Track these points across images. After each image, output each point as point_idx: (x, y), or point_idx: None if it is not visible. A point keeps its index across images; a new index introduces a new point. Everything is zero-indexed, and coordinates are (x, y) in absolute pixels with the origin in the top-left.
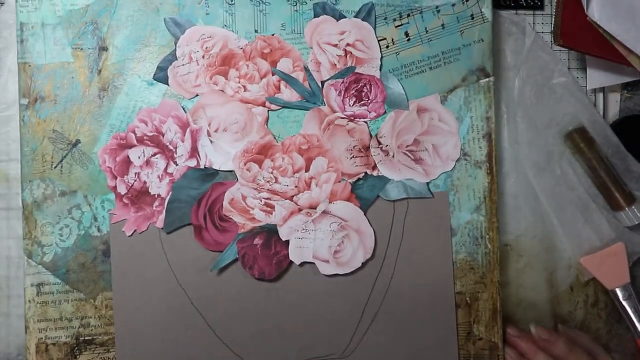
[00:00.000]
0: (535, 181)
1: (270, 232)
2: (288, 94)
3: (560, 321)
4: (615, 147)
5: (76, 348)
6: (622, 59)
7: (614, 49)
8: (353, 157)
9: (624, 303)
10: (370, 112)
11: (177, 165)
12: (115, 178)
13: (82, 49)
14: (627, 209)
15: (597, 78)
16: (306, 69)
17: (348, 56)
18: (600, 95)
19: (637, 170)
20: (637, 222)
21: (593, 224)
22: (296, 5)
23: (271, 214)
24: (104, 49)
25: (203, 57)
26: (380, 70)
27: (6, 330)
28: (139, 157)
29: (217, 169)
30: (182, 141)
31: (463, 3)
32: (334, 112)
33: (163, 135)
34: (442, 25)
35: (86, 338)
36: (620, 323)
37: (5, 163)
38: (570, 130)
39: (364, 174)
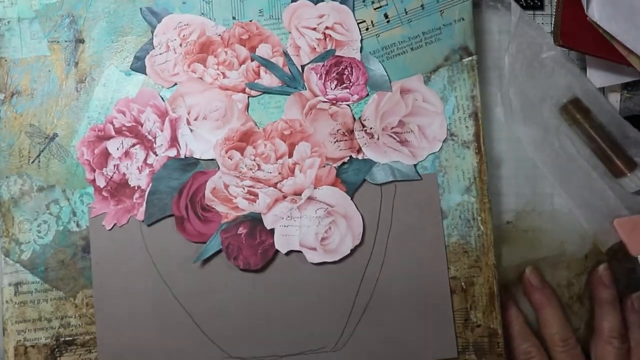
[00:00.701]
0: (534, 156)
1: (254, 220)
2: (268, 79)
3: (566, 284)
4: (610, 114)
5: (56, 350)
6: (622, 59)
7: (614, 49)
8: (337, 141)
9: None
10: (352, 95)
11: (156, 155)
12: (94, 171)
13: (58, 42)
14: (629, 174)
15: (597, 78)
16: (285, 54)
17: (327, 39)
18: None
19: (634, 137)
20: None
21: (598, 193)
22: None
23: (255, 202)
24: (80, 41)
25: (180, 45)
26: (360, 52)
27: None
28: (117, 149)
29: (198, 158)
30: (162, 131)
31: None
32: (316, 96)
33: (142, 126)
34: (422, 5)
35: (67, 339)
36: (628, 289)
37: None
38: (565, 102)
39: (348, 157)
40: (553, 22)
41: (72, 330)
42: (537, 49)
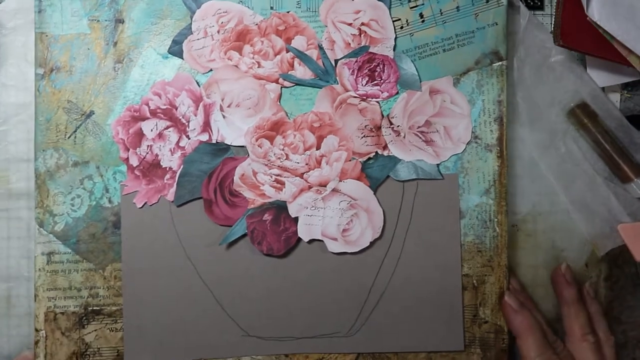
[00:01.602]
0: (540, 160)
1: (279, 208)
2: (301, 71)
3: None
4: (618, 120)
5: (84, 318)
6: (622, 59)
7: (614, 49)
8: (364, 136)
9: None
10: (382, 92)
11: (189, 139)
12: (128, 150)
13: (98, 20)
14: (636, 179)
15: (597, 78)
16: (320, 47)
17: (362, 35)
18: None
19: None
20: None
21: (601, 198)
22: None
23: (281, 190)
24: (120, 21)
25: (218, 32)
26: (394, 50)
27: (6, 330)
28: (151, 130)
29: (229, 144)
30: (195, 115)
31: None
32: (347, 91)
33: (176, 109)
34: (457, 7)
35: (94, 308)
36: (634, 295)
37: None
38: (573, 106)
39: (374, 153)
40: (553, 22)
41: (100, 300)
42: (546, 53)
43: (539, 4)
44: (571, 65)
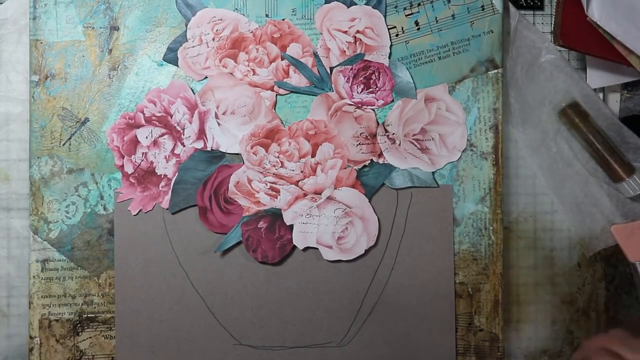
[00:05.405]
0: (531, 160)
1: (274, 216)
2: (297, 79)
3: (569, 300)
4: (610, 119)
5: (79, 325)
6: (622, 59)
7: (614, 49)
8: (359, 144)
9: None
10: (378, 100)
11: (184, 146)
12: (123, 157)
13: (93, 28)
14: (627, 179)
15: (597, 78)
16: (315, 55)
17: (357, 43)
18: (600, 95)
19: (633, 142)
20: (638, 192)
21: (593, 198)
22: None
23: (276, 198)
24: (115, 28)
25: (213, 39)
26: (389, 58)
27: (6, 329)
28: (146, 137)
29: (224, 151)
30: (190, 123)
31: None
32: (342, 98)
33: (171, 116)
34: (453, 15)
35: (89, 315)
36: (629, 294)
37: (6, 162)
38: (564, 106)
39: (369, 161)
40: (553, 22)
41: (94, 307)
42: (536, 53)
43: (539, 4)
44: (562, 65)
